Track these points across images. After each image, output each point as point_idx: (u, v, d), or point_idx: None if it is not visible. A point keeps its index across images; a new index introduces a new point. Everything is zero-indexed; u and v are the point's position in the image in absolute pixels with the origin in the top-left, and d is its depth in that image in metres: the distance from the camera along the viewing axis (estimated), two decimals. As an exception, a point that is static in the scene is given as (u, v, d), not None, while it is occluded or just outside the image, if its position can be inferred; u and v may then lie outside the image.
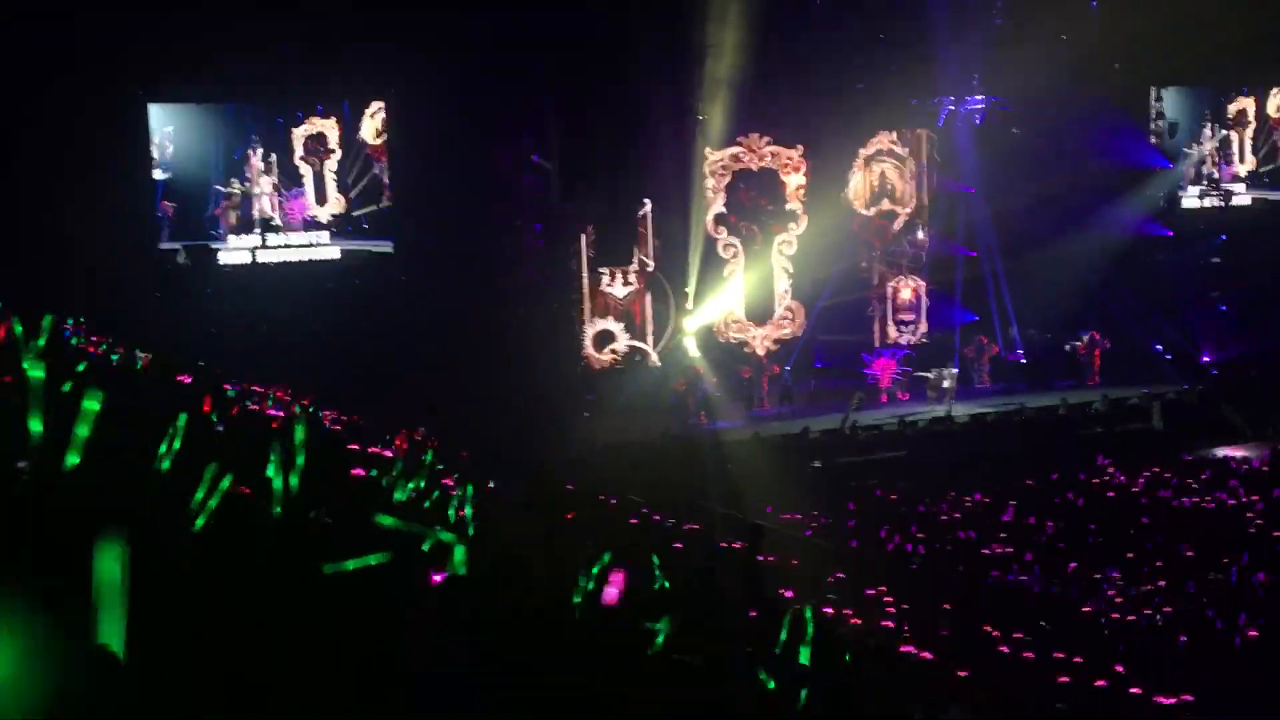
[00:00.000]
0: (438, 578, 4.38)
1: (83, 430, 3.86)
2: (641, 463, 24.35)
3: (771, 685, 5.13)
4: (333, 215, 30.16)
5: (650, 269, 31.03)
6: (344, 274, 29.75)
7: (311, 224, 29.92)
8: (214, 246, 29.03)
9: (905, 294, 33.61)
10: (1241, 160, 37.28)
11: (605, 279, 30.80)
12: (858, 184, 33.20)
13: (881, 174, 33.36)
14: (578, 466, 22.63)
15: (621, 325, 30.82)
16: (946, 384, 30.83)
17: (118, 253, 25.95)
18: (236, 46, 26.26)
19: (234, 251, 29.09)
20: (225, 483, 4.34)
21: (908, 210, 33.50)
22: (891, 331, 33.39)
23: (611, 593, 5.00)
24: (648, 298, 31.08)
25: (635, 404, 28.82)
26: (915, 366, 32.03)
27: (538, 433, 24.66)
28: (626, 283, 30.90)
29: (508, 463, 17.45)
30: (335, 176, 30.18)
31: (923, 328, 33.60)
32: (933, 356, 32.28)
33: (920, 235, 33.85)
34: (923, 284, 33.71)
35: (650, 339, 31.07)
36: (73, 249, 24.00)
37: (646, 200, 30.77)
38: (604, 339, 30.71)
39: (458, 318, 27.81)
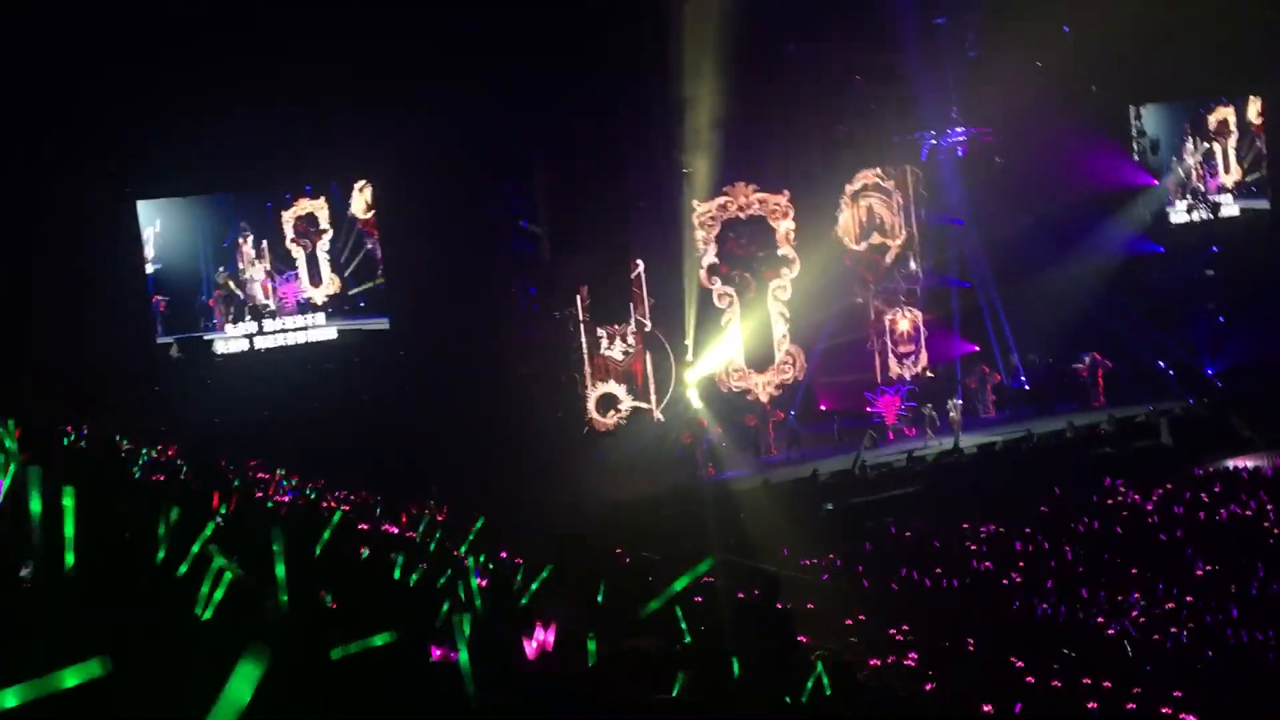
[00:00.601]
0: (437, 653, 4.35)
1: (69, 529, 3.85)
2: (652, 518, 24.26)
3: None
4: (328, 296, 30.27)
5: (647, 328, 31.10)
6: (342, 353, 29.84)
7: (307, 306, 30.03)
8: (207, 338, 29.11)
9: (903, 326, 33.66)
10: (1227, 171, 37.42)
11: (604, 343, 30.87)
12: (846, 220, 33.34)
13: (869, 208, 33.53)
14: (588, 526, 22.53)
15: (624, 387, 30.85)
16: (953, 414, 30.79)
17: (115, 351, 26.04)
18: (221, 138, 26.50)
19: (230, 340, 29.19)
20: (228, 574, 4.34)
21: (898, 242, 33.62)
22: (893, 365, 33.40)
23: (535, 646, 4.95)
24: (647, 357, 31.13)
25: (641, 459, 28.77)
26: (919, 401, 31.98)
27: (546, 495, 24.57)
28: (626, 344, 30.97)
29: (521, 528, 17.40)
30: (329, 256, 30.33)
31: (923, 359, 33.61)
32: (936, 389, 32.26)
33: (913, 266, 33.94)
34: (919, 315, 33.75)
35: (654, 398, 31.08)
36: (70, 350, 24.12)
37: (639, 261, 30.89)
38: (607, 402, 30.72)
39: (458, 387, 27.89)
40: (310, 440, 24.00)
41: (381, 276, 30.52)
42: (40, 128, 24.69)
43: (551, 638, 4.95)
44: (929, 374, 33.31)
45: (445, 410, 27.21)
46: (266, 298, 29.73)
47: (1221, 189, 37.25)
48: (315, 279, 30.24)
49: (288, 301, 29.90)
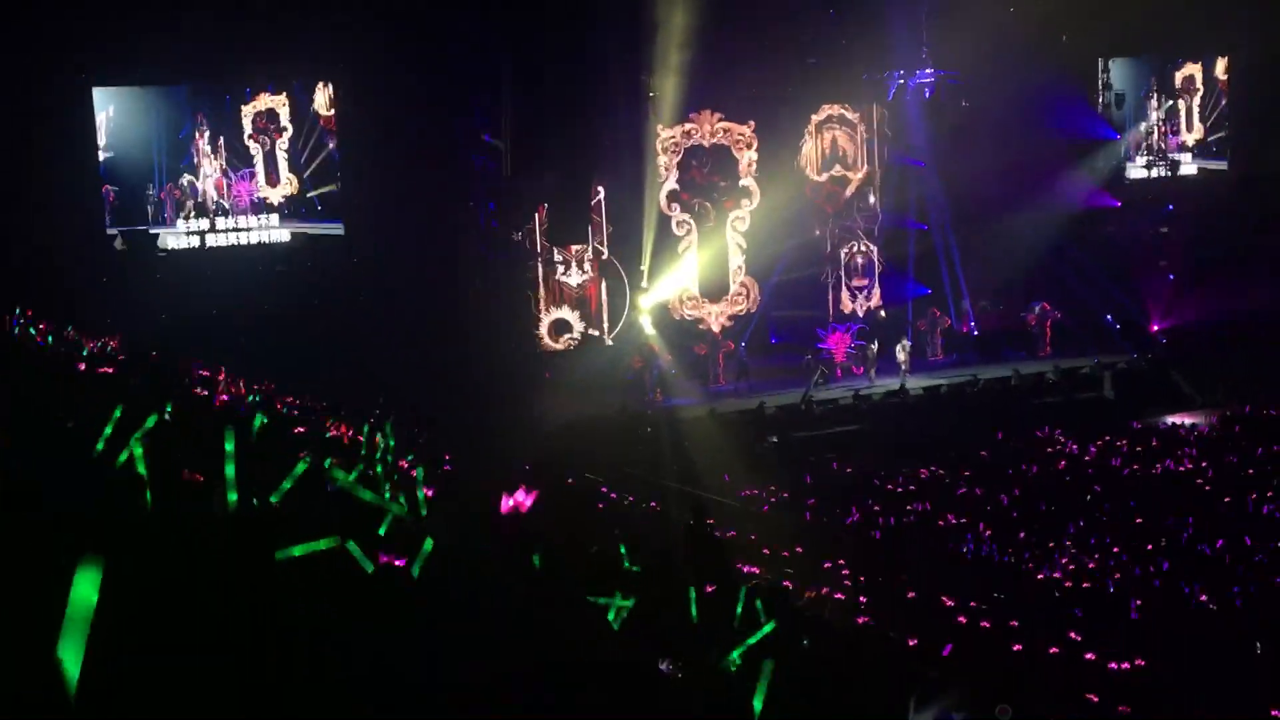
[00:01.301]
0: (385, 559, 4.35)
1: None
2: (598, 440, 24.34)
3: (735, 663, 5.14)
4: (284, 196, 29.80)
5: (604, 256, 31.00)
6: (294, 256, 29.49)
7: (261, 206, 29.58)
8: (153, 232, 28.60)
9: (859, 260, 33.75)
10: (1189, 129, 37.61)
11: (560, 268, 30.76)
12: (809, 150, 33.31)
13: (833, 140, 33.49)
14: (534, 444, 22.59)
15: (577, 314, 30.81)
16: (900, 356, 31.03)
17: (64, 239, 25.63)
18: (182, 28, 25.94)
19: (183, 236, 28.73)
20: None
21: (859, 176, 33.64)
22: (845, 299, 33.53)
23: (515, 502, 4.98)
24: (602, 284, 31.06)
25: (590, 382, 28.80)
26: (867, 340, 32.17)
27: (494, 411, 24.58)
28: (581, 270, 30.86)
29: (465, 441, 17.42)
30: (287, 155, 29.80)
31: (876, 295, 33.76)
32: (886, 330, 32.44)
33: (872, 200, 33.99)
34: (875, 249, 33.83)
35: (605, 325, 31.07)
36: (19, 236, 23.72)
37: (600, 187, 30.70)
38: (560, 327, 30.69)
39: (410, 298, 27.71)
40: (259, 342, 23.78)
41: (339, 180, 30.12)
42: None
43: (529, 501, 4.98)
44: (882, 314, 33.47)
45: (397, 320, 27.06)
46: (221, 196, 29.23)
47: (1182, 147, 37.46)
48: (273, 178, 29.75)
49: (241, 200, 29.44)
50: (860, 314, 33.44)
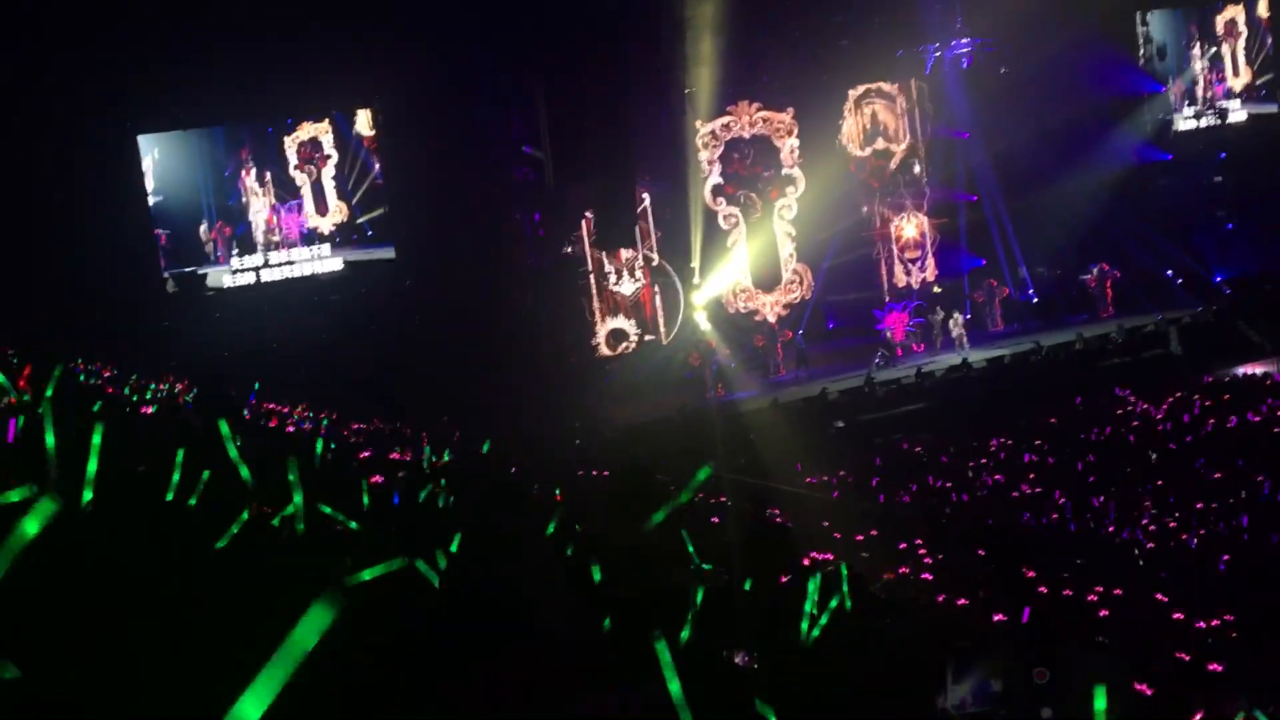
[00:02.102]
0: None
1: (92, 465, 3.85)
2: (662, 440, 24.32)
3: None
4: (335, 225, 30.03)
5: (655, 262, 31.02)
6: (348, 285, 29.74)
7: (312, 236, 29.84)
8: (201, 272, 28.94)
9: (909, 233, 33.49)
10: (1235, 74, 36.93)
11: (612, 278, 30.82)
12: (850, 127, 33.13)
13: (873, 114, 33.29)
14: (600, 448, 22.64)
15: (632, 322, 30.86)
16: (955, 331, 30.75)
17: (119, 285, 26.05)
18: (221, 69, 26.29)
19: (238, 274, 29.07)
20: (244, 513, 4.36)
21: (903, 147, 33.39)
22: (899, 273, 33.28)
23: None
24: (656, 289, 31.09)
25: (650, 383, 28.81)
26: (926, 314, 31.92)
27: (554, 419, 24.66)
28: (634, 278, 30.91)
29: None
30: (334, 183, 30.00)
31: (931, 266, 33.45)
32: (944, 304, 32.16)
33: (917, 170, 33.72)
34: (925, 221, 33.54)
35: (662, 330, 31.10)
36: (75, 286, 24.15)
37: (645, 194, 30.72)
38: (617, 337, 30.79)
39: (465, 314, 27.86)
40: (319, 372, 24.01)
41: (387, 204, 30.34)
42: (40, 62, 24.47)
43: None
44: (937, 289, 33.20)
45: (453, 338, 27.22)
46: (271, 230, 29.51)
47: (1229, 93, 36.79)
48: (322, 207, 29.99)
49: (291, 232, 29.72)
50: (915, 287, 33.17)
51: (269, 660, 1.74)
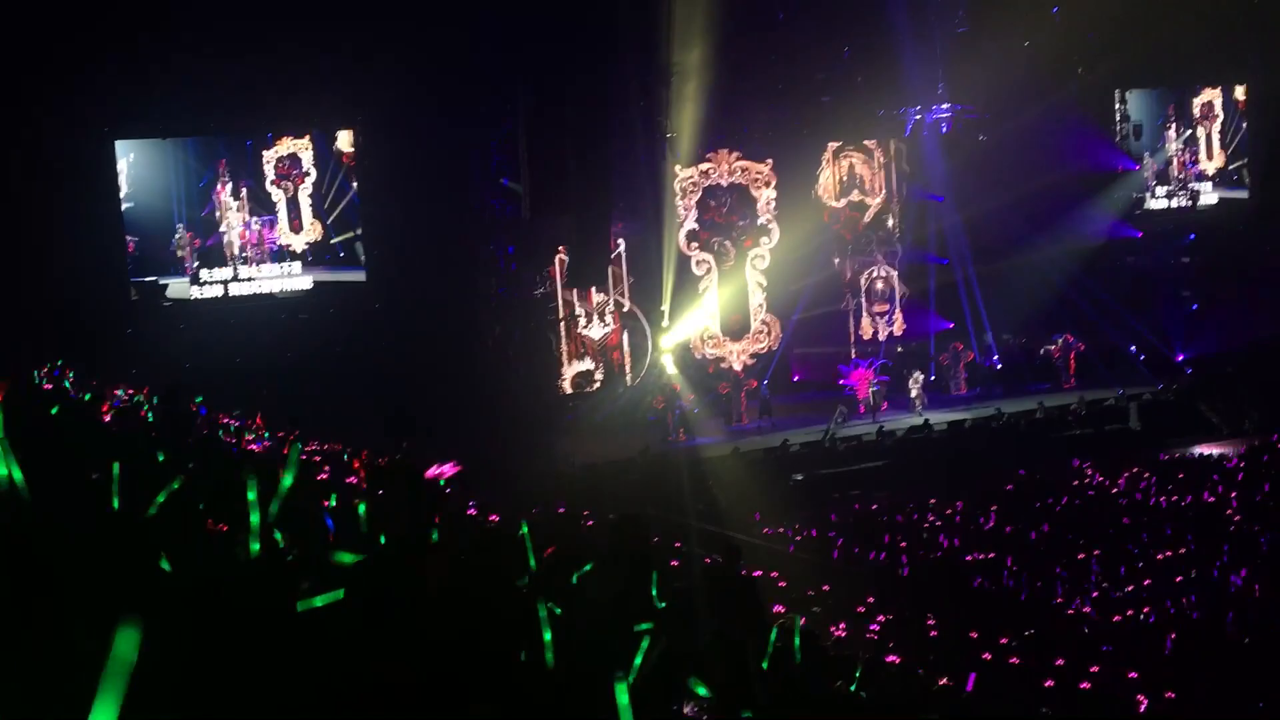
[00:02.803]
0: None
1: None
2: (621, 481, 24.30)
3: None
4: (308, 243, 29.86)
5: (625, 308, 31.06)
6: (316, 303, 29.58)
7: (283, 254, 29.66)
8: (162, 282, 28.69)
9: (879, 286, 33.72)
10: (1210, 156, 37.47)
11: (582, 321, 30.83)
12: (826, 178, 33.49)
13: (850, 166, 33.68)
14: (557, 486, 22.58)
15: (599, 366, 30.87)
16: (914, 391, 30.94)
17: (87, 290, 25.83)
18: (201, 81, 26.25)
19: (205, 286, 28.82)
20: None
21: (877, 200, 33.73)
22: (866, 325, 33.47)
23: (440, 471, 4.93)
24: (624, 336, 31.13)
25: (612, 423, 28.80)
26: (891, 376, 32.09)
27: (516, 453, 24.57)
28: (603, 323, 30.94)
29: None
30: (310, 201, 29.82)
31: (899, 320, 33.64)
32: (909, 365, 32.35)
33: (891, 224, 34.02)
34: (895, 274, 33.77)
35: (629, 376, 31.12)
36: (44, 288, 23.95)
37: (620, 240, 30.81)
38: (583, 379, 30.76)
39: (432, 342, 27.75)
40: (282, 390, 23.85)
41: (360, 225, 30.23)
42: (18, 64, 24.33)
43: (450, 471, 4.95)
44: (900, 349, 33.41)
45: (419, 365, 27.10)
46: (245, 246, 29.29)
47: (1202, 175, 37.33)
48: (296, 224, 29.79)
49: (261, 249, 29.53)
50: (883, 340, 33.37)
51: (104, 677, 1.76)
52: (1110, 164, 35.92)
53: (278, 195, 29.60)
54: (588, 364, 30.77)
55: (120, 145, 28.15)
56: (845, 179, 33.58)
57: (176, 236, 28.85)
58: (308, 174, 29.82)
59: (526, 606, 5.07)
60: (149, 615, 3.18)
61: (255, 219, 29.40)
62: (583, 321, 30.89)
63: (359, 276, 29.94)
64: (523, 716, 3.43)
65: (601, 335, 30.97)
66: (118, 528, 4.73)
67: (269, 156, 29.64)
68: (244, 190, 29.29)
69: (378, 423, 22.05)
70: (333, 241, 30.00)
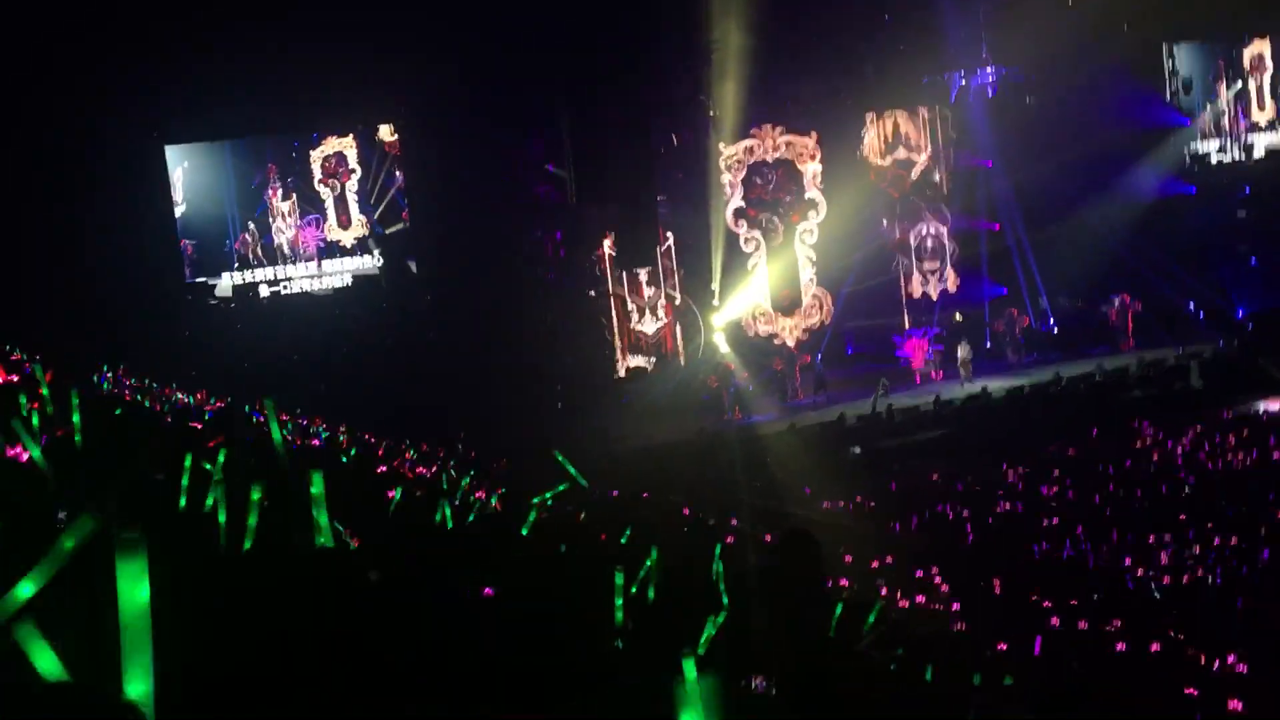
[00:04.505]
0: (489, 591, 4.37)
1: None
2: (679, 462, 24.29)
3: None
4: (356, 238, 30.14)
5: (677, 301, 30.99)
6: (368, 298, 29.82)
7: (333, 249, 29.92)
8: (211, 283, 29.08)
9: (928, 242, 33.46)
10: (1261, 108, 36.73)
11: (634, 316, 30.80)
12: (871, 137, 33.21)
13: (895, 124, 33.35)
14: (616, 469, 22.60)
15: (653, 359, 30.82)
16: (960, 358, 30.65)
17: (145, 295, 26.22)
18: (246, 83, 26.50)
19: (262, 285, 29.19)
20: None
21: (924, 156, 33.41)
22: (916, 283, 33.22)
23: None
24: (678, 328, 31.08)
25: (668, 404, 28.79)
26: (945, 345, 31.82)
27: (573, 435, 24.62)
28: (656, 318, 30.90)
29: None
30: (357, 197, 30.12)
31: (951, 277, 33.35)
32: (962, 334, 32.06)
33: (938, 179, 33.70)
34: (945, 230, 33.46)
35: (682, 357, 31.09)
36: (103, 295, 24.31)
37: (669, 233, 30.78)
38: (637, 374, 30.76)
39: (484, 331, 27.88)
40: (338, 385, 24.07)
41: (407, 219, 30.44)
42: (71, 73, 24.65)
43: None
44: (958, 317, 33.12)
45: (471, 354, 27.24)
46: (296, 245, 29.63)
47: (1254, 127, 36.61)
48: (344, 219, 30.10)
49: (309, 245, 29.83)
50: (934, 297, 33.12)
51: (124, 639, 1.71)
52: (1161, 121, 35.35)
53: (325, 193, 29.93)
54: (640, 360, 30.75)
55: (174, 154, 28.58)
56: (890, 138, 33.32)
57: (247, 235, 29.23)
58: (354, 171, 30.10)
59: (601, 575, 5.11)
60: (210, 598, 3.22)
61: (303, 218, 29.71)
62: (635, 317, 30.84)
63: (409, 267, 30.12)
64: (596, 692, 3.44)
65: (655, 330, 30.93)
66: (184, 525, 4.80)
67: (315, 156, 29.94)
68: (294, 192, 29.61)
69: (431, 415, 22.24)
70: (384, 234, 30.16)
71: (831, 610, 6.31)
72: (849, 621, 6.25)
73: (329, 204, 30.01)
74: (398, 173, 30.25)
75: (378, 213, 30.28)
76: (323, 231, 29.98)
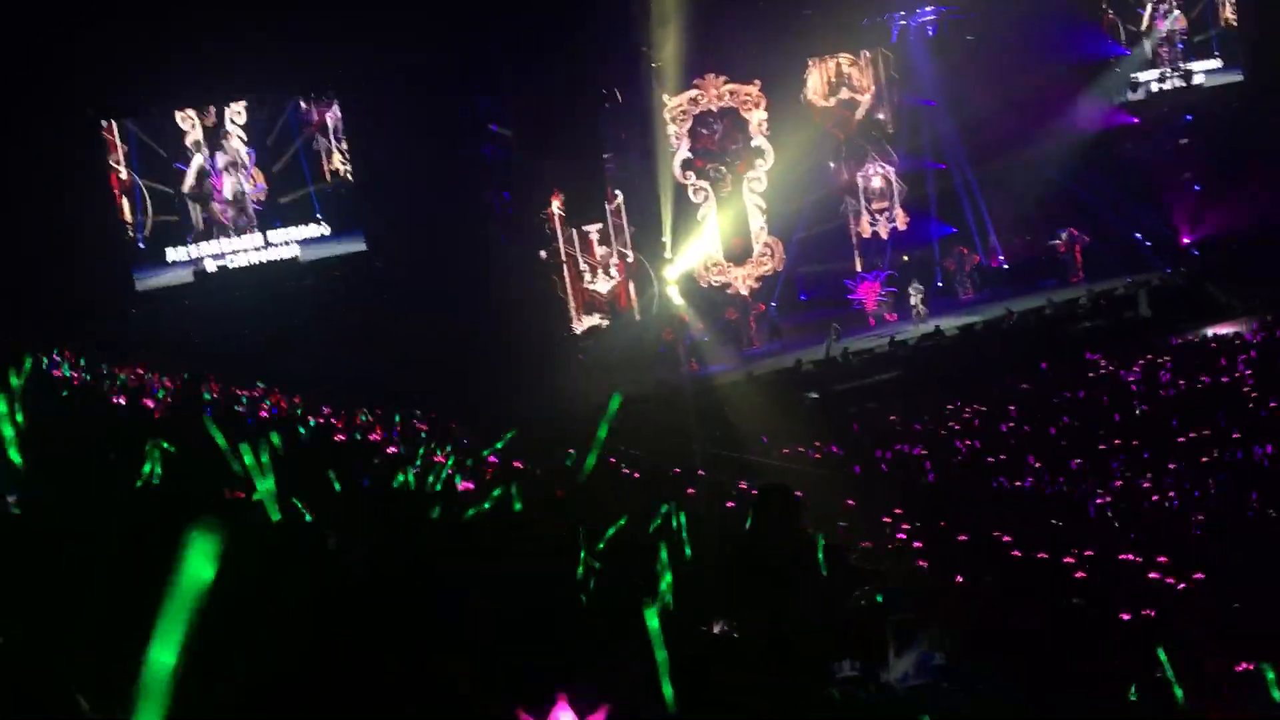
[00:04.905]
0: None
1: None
2: (637, 416, 24.30)
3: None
4: (257, 199, 29.30)
5: (629, 259, 30.89)
6: (319, 269, 29.47)
7: (276, 216, 29.28)
8: (164, 262, 28.51)
9: (875, 182, 33.56)
10: (1199, 32, 36.68)
11: (587, 276, 30.66)
12: (815, 80, 33.18)
13: (837, 65, 33.36)
14: (573, 426, 22.58)
15: (607, 319, 30.69)
16: (914, 300, 30.83)
17: (90, 274, 25.86)
18: (185, 53, 26.01)
19: (207, 260, 28.74)
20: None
21: (868, 96, 33.45)
22: (865, 224, 33.34)
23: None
24: (630, 286, 30.99)
25: (624, 359, 28.77)
26: (898, 287, 31.98)
27: (530, 395, 24.59)
28: (609, 276, 30.78)
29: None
30: (263, 159, 29.20)
31: (900, 216, 33.48)
32: (913, 274, 32.23)
33: (882, 118, 33.77)
34: (892, 170, 33.57)
35: (636, 312, 31.02)
36: (45, 275, 23.97)
37: (618, 191, 30.63)
38: (592, 333, 30.66)
39: (436, 295, 27.71)
40: (289, 358, 23.84)
41: (317, 183, 29.74)
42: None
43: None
44: (905, 259, 33.29)
45: (424, 319, 27.08)
46: (236, 214, 28.95)
47: (1191, 50, 36.45)
48: (252, 178, 29.37)
49: (246, 214, 29.09)
50: (884, 237, 33.28)
51: (166, 603, 1.72)
52: (1101, 51, 35.47)
53: (244, 155, 29.15)
54: (596, 319, 30.67)
55: (118, 129, 28.00)
56: (834, 79, 33.32)
57: (175, 217, 28.69)
58: (277, 135, 29.36)
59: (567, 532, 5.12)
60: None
61: (235, 180, 29.00)
62: (588, 276, 30.73)
63: (359, 245, 29.67)
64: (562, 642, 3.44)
65: (609, 289, 30.82)
66: (137, 501, 4.76)
67: (242, 122, 29.17)
68: (227, 158, 28.98)
69: (386, 383, 22.12)
70: (282, 201, 29.44)
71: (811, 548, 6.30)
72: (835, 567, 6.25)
73: (247, 162, 29.12)
74: (316, 138, 29.59)
75: (277, 165, 29.31)
76: (258, 189, 29.07)
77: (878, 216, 33.47)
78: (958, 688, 3.57)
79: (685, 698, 3.10)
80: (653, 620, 3.19)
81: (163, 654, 1.70)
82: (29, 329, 16.81)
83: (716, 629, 4.44)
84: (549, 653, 3.31)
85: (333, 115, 29.95)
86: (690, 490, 14.67)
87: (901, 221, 33.46)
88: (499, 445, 11.97)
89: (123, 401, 11.52)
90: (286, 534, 4.70)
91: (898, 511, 15.48)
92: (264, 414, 13.80)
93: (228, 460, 5.14)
